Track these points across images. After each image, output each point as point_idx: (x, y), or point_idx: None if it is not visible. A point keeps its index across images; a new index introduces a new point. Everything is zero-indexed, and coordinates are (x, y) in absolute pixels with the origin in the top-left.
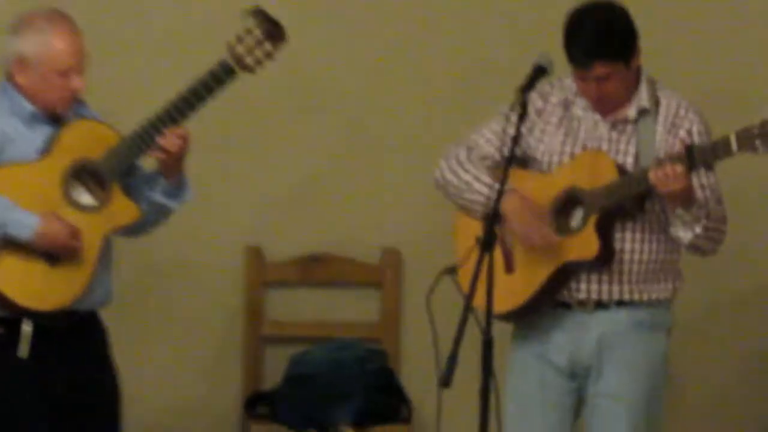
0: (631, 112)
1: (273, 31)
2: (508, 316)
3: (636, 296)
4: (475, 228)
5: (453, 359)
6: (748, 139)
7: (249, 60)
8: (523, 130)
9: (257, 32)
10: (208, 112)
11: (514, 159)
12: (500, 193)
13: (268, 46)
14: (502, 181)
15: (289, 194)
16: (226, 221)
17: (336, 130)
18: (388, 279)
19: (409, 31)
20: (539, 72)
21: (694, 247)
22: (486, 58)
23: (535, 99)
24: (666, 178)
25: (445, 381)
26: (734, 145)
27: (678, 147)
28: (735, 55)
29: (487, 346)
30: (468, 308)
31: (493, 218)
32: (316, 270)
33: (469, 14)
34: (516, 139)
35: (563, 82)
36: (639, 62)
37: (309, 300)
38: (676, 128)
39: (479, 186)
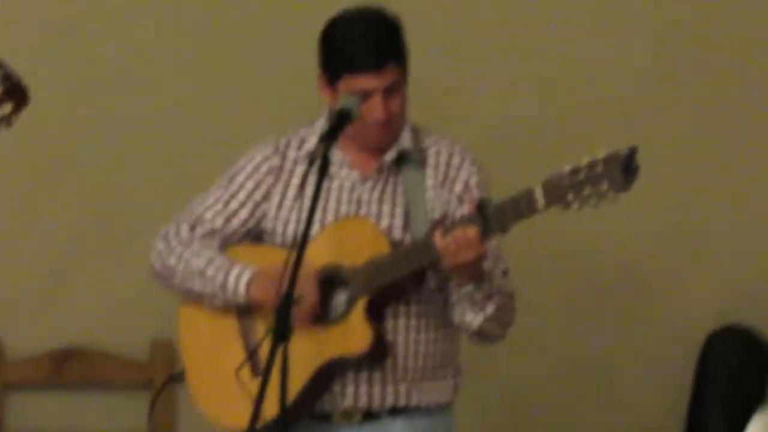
0: (389, 155)
1: (16, 90)
2: None
3: (414, 400)
4: (201, 321)
5: None
6: (557, 192)
7: None
8: (257, 196)
9: None
10: None
11: (248, 233)
12: (294, 274)
13: (7, 107)
14: (298, 256)
15: (31, 276)
16: None
17: (88, 196)
18: (159, 377)
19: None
20: (344, 119)
21: (482, 335)
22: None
23: (269, 155)
24: (456, 247)
25: None
26: (541, 201)
27: (458, 212)
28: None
29: None
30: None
31: (287, 300)
32: (69, 368)
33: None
34: (315, 203)
35: (302, 132)
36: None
37: (60, 405)
38: (451, 181)
39: (213, 272)
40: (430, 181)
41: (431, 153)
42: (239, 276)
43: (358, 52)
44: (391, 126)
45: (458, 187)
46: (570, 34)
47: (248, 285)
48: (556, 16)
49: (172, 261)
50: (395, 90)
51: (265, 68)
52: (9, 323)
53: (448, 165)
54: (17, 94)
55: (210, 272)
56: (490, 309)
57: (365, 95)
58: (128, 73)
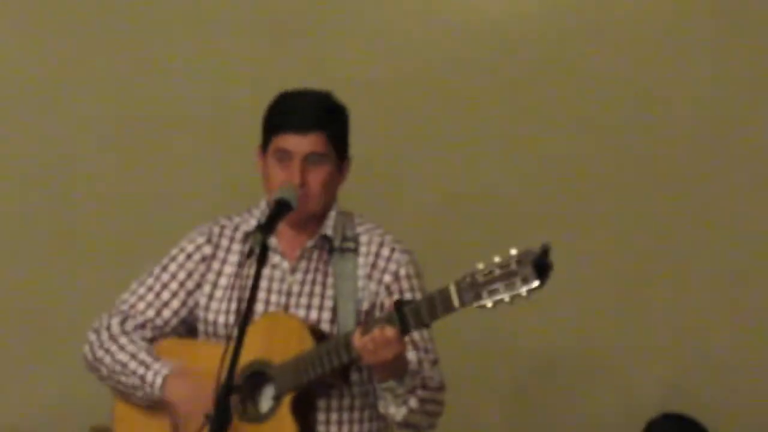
0: (310, 242)
1: None
2: None
3: None
4: (135, 416)
5: None
6: (471, 290)
7: None
8: (190, 285)
9: None
10: None
11: (181, 321)
12: (233, 365)
13: None
14: (236, 349)
15: None
16: None
17: (27, 276)
18: None
19: None
20: (282, 208)
21: (408, 426)
22: None
23: (202, 243)
24: (374, 346)
25: None
26: (456, 300)
27: (386, 303)
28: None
29: None
30: None
31: (226, 390)
32: None
33: None
34: (254, 295)
35: (235, 219)
36: (342, 180)
37: None
38: (380, 272)
39: (135, 366)
40: (361, 270)
41: (363, 242)
42: (157, 372)
43: (288, 112)
44: (309, 198)
45: (387, 278)
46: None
47: (164, 382)
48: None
49: (100, 353)
50: (319, 163)
51: (203, 147)
52: None
53: (377, 255)
54: None
55: (132, 366)
56: (413, 402)
57: (287, 160)
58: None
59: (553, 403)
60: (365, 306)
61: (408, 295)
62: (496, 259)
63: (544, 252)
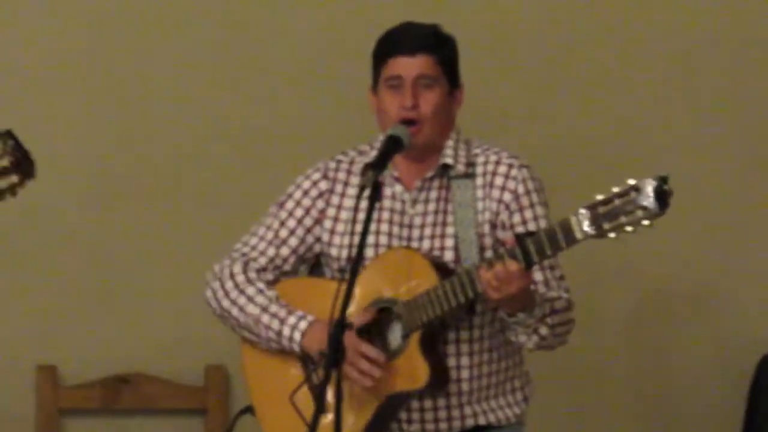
0: (429, 172)
1: (23, 162)
2: None
3: (481, 420)
4: (263, 361)
5: None
6: (593, 221)
7: None
8: (308, 222)
9: (5, 161)
10: None
11: (300, 259)
12: (346, 301)
13: (14, 178)
14: (346, 298)
15: (86, 302)
16: (11, 336)
17: (143, 219)
18: (213, 402)
19: None
20: (394, 145)
21: (540, 348)
22: None
23: (318, 180)
24: (498, 282)
25: None
26: (578, 231)
27: (506, 222)
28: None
29: None
30: None
31: (339, 326)
32: (124, 393)
33: None
34: (366, 232)
35: (351, 153)
36: (457, 108)
37: (116, 430)
38: (499, 190)
39: (268, 319)
40: (479, 192)
41: (479, 162)
42: (294, 327)
43: (396, 38)
44: (423, 123)
45: (507, 196)
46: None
47: (303, 336)
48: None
49: (226, 304)
50: (429, 86)
51: (321, 86)
52: (63, 349)
53: (494, 174)
54: (24, 167)
55: (265, 320)
56: (543, 330)
57: (399, 87)
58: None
59: (667, 334)
60: (486, 228)
61: (528, 212)
62: (615, 189)
63: (663, 179)
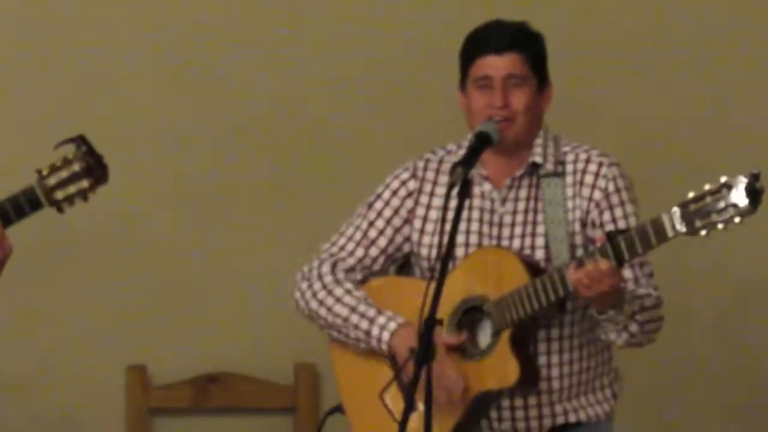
0: (519, 170)
1: (95, 167)
2: None
3: (571, 418)
4: (352, 359)
5: None
6: (684, 219)
7: (59, 195)
8: (397, 222)
9: (76, 166)
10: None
11: (389, 258)
12: (436, 300)
13: (85, 183)
14: (435, 297)
15: (176, 301)
16: (101, 336)
17: (233, 221)
18: (303, 401)
19: None
20: (483, 141)
21: (630, 345)
22: None
23: (406, 179)
24: (590, 280)
25: None
26: (670, 229)
27: (596, 220)
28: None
29: None
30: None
31: (429, 324)
32: (214, 393)
33: None
34: (455, 230)
35: (440, 152)
36: (546, 106)
37: (204, 429)
38: (589, 188)
39: (357, 320)
40: (569, 191)
41: (569, 160)
42: (384, 327)
43: (484, 37)
44: (513, 121)
45: (597, 195)
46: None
47: (392, 337)
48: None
49: (314, 305)
50: (518, 85)
51: (408, 87)
52: (154, 348)
53: (584, 172)
54: (97, 172)
55: (354, 320)
56: (633, 328)
57: (488, 86)
58: (256, 97)
59: (757, 335)
60: (576, 226)
61: (618, 210)
62: (707, 187)
63: (755, 177)
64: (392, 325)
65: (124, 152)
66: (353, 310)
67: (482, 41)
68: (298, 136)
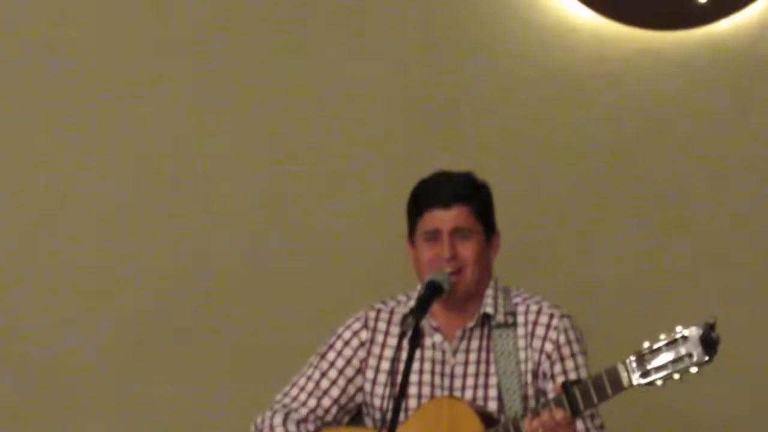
0: (470, 322)
1: None
2: None
3: None
4: None
5: None
6: (640, 369)
7: None
8: (349, 373)
9: None
10: None
11: (342, 409)
12: None
13: None
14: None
15: None
16: None
17: None
18: None
19: None
20: (434, 291)
21: None
22: None
23: (358, 329)
24: (544, 430)
25: None
26: (625, 380)
27: (547, 372)
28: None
29: None
30: None
31: None
32: None
33: None
34: (406, 378)
35: (390, 303)
36: (494, 255)
37: None
38: (540, 340)
39: None
40: (521, 342)
41: (520, 311)
42: None
43: (430, 191)
44: (463, 272)
45: (548, 347)
46: None
47: None
48: None
49: None
50: (467, 238)
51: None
52: None
53: (535, 324)
54: None
55: None
56: None
57: (436, 239)
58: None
59: None
60: (528, 378)
61: (569, 362)
62: (662, 337)
63: (711, 327)
64: None
65: None
66: None
67: (429, 195)
68: None
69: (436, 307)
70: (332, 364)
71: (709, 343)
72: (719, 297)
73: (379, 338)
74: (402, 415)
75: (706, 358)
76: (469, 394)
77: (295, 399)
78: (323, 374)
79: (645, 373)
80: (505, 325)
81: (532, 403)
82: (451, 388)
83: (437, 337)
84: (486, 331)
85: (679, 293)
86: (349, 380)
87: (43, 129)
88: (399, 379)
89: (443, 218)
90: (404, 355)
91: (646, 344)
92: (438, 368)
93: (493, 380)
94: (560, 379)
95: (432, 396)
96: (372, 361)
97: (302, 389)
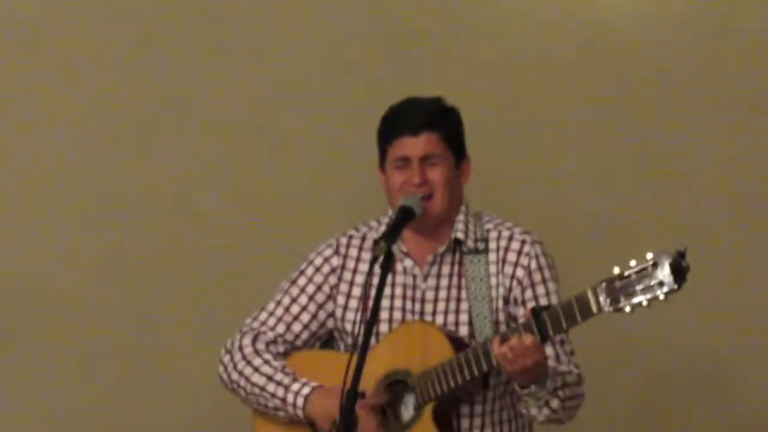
0: (441, 247)
1: None
2: None
3: None
4: (273, 429)
5: None
6: (609, 295)
7: None
8: (320, 298)
9: None
10: None
11: (313, 335)
12: (358, 373)
13: None
14: (357, 369)
15: None
16: None
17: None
18: None
19: None
20: (406, 215)
21: (550, 422)
22: None
23: (329, 256)
24: (513, 355)
25: None
26: (594, 305)
27: (519, 297)
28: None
29: None
30: None
31: (351, 397)
32: None
33: None
34: (378, 303)
35: (362, 229)
36: (465, 181)
37: None
38: (511, 266)
39: (273, 388)
40: (492, 268)
41: (492, 237)
42: (297, 393)
43: (398, 119)
44: (433, 198)
45: (519, 272)
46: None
47: (305, 402)
48: None
49: (235, 376)
50: (437, 164)
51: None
52: None
53: (507, 249)
54: None
55: (270, 388)
56: (554, 404)
57: (406, 166)
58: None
59: (674, 409)
60: (500, 303)
61: (540, 288)
62: (632, 263)
63: (681, 254)
64: (305, 390)
65: None
66: (270, 378)
67: (398, 122)
68: None
69: (407, 233)
70: (303, 290)
71: (678, 271)
72: (690, 225)
73: (351, 264)
74: (373, 340)
75: (675, 286)
76: (440, 319)
77: (263, 323)
78: (293, 300)
79: (614, 300)
80: (477, 251)
81: (503, 329)
82: (422, 313)
83: (408, 262)
84: (457, 257)
85: (652, 221)
86: (320, 306)
87: None
88: (370, 304)
89: (412, 145)
90: (376, 280)
91: (617, 270)
92: (409, 293)
93: (464, 305)
94: (531, 305)
95: (403, 320)
96: (343, 287)
97: (271, 314)
